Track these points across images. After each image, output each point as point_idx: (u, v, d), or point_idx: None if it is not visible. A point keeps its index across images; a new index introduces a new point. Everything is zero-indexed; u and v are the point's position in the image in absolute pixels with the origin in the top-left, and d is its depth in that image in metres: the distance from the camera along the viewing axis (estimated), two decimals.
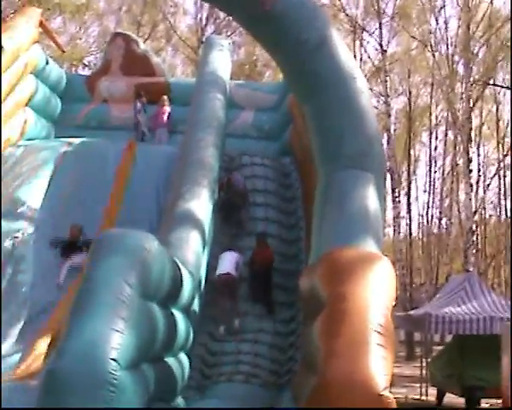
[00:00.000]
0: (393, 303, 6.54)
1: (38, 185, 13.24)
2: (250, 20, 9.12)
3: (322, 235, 7.57)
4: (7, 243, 11.58)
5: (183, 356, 8.55)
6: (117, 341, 5.53)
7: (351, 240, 7.01)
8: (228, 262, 11.79)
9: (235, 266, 11.78)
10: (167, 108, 16.86)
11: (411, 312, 22.21)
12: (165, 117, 16.76)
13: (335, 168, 7.90)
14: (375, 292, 6.14)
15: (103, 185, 13.35)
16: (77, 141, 15.15)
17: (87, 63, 34.74)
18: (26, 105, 15.88)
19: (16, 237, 11.79)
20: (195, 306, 9.61)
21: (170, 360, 7.64)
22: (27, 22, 16.11)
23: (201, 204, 10.88)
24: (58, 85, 17.59)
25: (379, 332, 5.96)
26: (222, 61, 16.80)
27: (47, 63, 16.96)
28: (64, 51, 22.13)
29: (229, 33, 38.02)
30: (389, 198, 34.84)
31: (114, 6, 41.07)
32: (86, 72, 32.32)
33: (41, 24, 17.15)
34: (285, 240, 13.47)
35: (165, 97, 17.05)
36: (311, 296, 6.94)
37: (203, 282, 10.52)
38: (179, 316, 8.00)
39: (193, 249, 9.68)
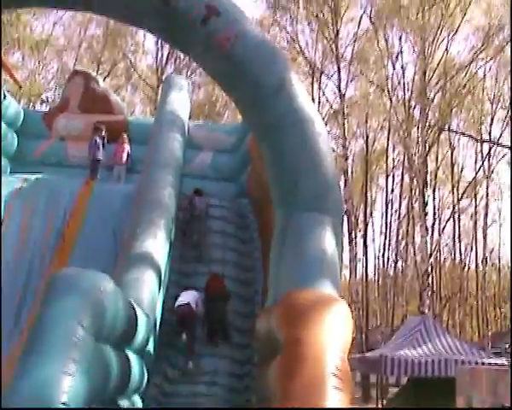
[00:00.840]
0: (350, 346, 6.52)
1: None
2: (208, 61, 9.15)
3: (280, 277, 7.54)
4: None
5: (136, 398, 8.38)
6: (68, 383, 5.41)
7: (308, 283, 7.00)
8: (187, 296, 11.73)
9: (195, 301, 11.70)
10: (127, 146, 16.69)
11: (367, 354, 22.27)
12: (125, 155, 16.57)
13: (292, 210, 7.91)
14: (332, 335, 6.12)
15: (57, 223, 13.12)
16: (32, 177, 14.92)
17: (45, 99, 34.46)
18: None
19: None
20: (150, 347, 9.46)
21: (123, 402, 7.48)
22: None
23: (157, 244, 10.80)
24: (15, 121, 17.37)
25: (335, 375, 5.93)
26: (181, 101, 16.82)
27: (4, 98, 16.78)
28: (21, 87, 22.01)
29: (189, 73, 38.25)
30: (346, 240, 35.09)
31: (74, 42, 40.97)
32: (44, 108, 32.08)
33: None
34: (242, 281, 13.36)
35: (125, 135, 16.91)
36: (267, 339, 6.88)
37: (158, 323, 10.38)
38: (133, 358, 7.86)
39: (148, 290, 9.57)
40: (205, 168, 17.37)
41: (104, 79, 36.38)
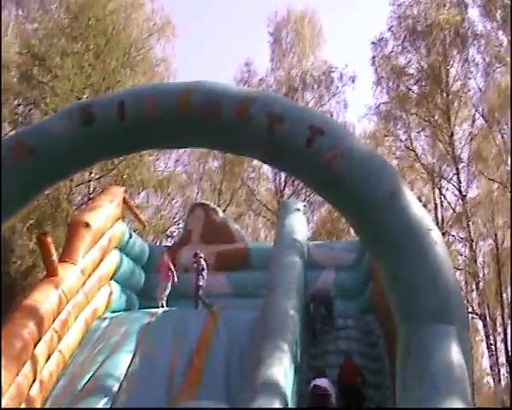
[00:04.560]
0: None
1: (123, 360, 13.33)
2: (317, 182, 9.25)
3: (407, 396, 7.22)
4: None
5: None
6: None
7: (435, 401, 6.65)
8: (323, 380, 12.35)
9: (330, 386, 12.28)
10: (168, 263, 17.03)
11: None
12: (168, 272, 16.84)
13: (414, 325, 7.63)
14: None
15: (185, 353, 13.30)
16: (160, 311, 15.37)
17: (170, 234, 35.81)
18: (111, 278, 16.38)
19: None
20: None
21: None
22: (111, 201, 16.96)
23: (283, 370, 10.67)
24: (141, 257, 18.16)
25: None
26: (298, 224, 17.04)
27: (130, 237, 17.62)
28: (145, 226, 23.10)
29: (307, 194, 38.62)
30: (484, 346, 33.38)
31: (196, 177, 42.71)
32: (169, 242, 33.25)
33: (124, 201, 17.99)
34: (373, 399, 12.96)
35: (165, 253, 17.36)
36: None
37: None
38: None
39: None
40: (328, 287, 17.28)
41: (225, 209, 37.52)
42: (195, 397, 11.51)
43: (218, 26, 79.37)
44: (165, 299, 16.59)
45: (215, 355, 13.27)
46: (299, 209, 18.01)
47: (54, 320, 13.00)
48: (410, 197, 8.72)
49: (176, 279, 16.82)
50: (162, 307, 16.33)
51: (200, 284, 16.45)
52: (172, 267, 16.98)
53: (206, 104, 9.34)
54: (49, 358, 12.84)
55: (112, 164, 28.81)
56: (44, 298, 12.76)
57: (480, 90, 35.21)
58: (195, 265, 16.92)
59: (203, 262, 16.83)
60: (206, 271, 16.78)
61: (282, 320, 12.23)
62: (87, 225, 15.22)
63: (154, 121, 9.82)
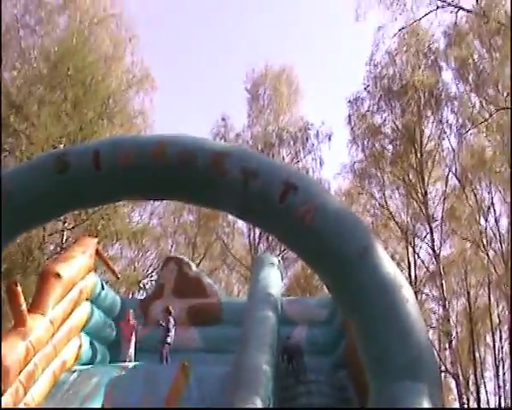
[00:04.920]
0: None
1: None
2: (289, 237, 9.25)
3: None
4: None
5: None
6: None
7: None
8: None
9: None
10: (132, 322, 16.91)
11: None
12: (132, 331, 16.72)
13: (385, 381, 7.56)
14: None
15: (156, 407, 13.07)
16: (130, 365, 15.16)
17: (143, 286, 35.55)
18: (82, 330, 16.15)
19: None
20: None
21: None
22: (84, 252, 16.82)
23: None
24: (113, 309, 17.98)
25: None
26: (272, 278, 17.02)
27: (102, 289, 17.47)
28: (118, 278, 22.91)
29: (282, 249, 38.65)
30: (457, 405, 33.23)
31: (170, 230, 42.64)
32: (142, 294, 32.99)
33: (97, 252, 17.86)
34: None
35: (130, 311, 17.21)
36: None
37: None
38: None
39: None
40: (298, 340, 17.21)
41: (199, 263, 37.45)
42: None
43: (196, 81, 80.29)
44: (132, 357, 16.39)
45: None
46: (273, 264, 17.99)
47: (20, 372, 12.75)
48: (383, 254, 8.73)
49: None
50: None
51: (168, 341, 16.26)
52: (134, 327, 16.86)
53: (182, 156, 9.37)
54: None
55: (86, 214, 28.68)
56: (11, 349, 12.52)
57: (454, 150, 35.84)
58: (164, 320, 16.72)
59: (171, 319, 16.63)
60: (174, 328, 16.59)
61: (254, 375, 12.12)
62: (58, 275, 15.06)
63: (129, 172, 9.81)
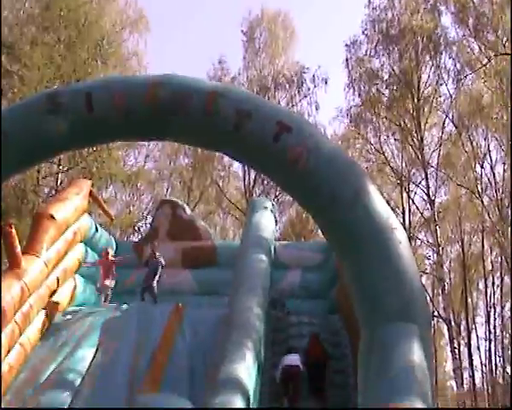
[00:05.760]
0: None
1: (86, 354, 13.18)
2: (283, 179, 9.21)
3: (368, 393, 7.21)
4: None
5: None
6: None
7: (395, 398, 6.64)
8: (293, 357, 13.14)
9: (301, 363, 13.08)
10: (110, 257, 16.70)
11: None
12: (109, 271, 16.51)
13: (377, 323, 7.60)
14: None
15: (149, 348, 13.15)
16: (123, 306, 15.24)
17: (137, 229, 35.62)
18: (76, 272, 16.19)
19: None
20: None
21: None
22: (78, 194, 16.76)
23: (246, 366, 10.63)
24: None
25: None
26: (266, 223, 16.98)
27: (96, 231, 17.44)
28: (112, 219, 22.87)
29: (277, 193, 38.65)
30: (448, 349, 33.68)
31: (166, 173, 42.54)
32: (137, 237, 33.06)
33: (91, 194, 17.80)
34: (336, 400, 12.98)
35: (109, 249, 17.03)
36: None
37: None
38: None
39: None
40: (294, 287, 17.31)
41: (195, 206, 37.44)
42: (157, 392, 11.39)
43: (191, 22, 79.21)
44: (108, 296, 16.42)
45: (179, 352, 13.14)
46: (267, 208, 17.95)
47: (15, 313, 12.82)
48: (376, 196, 8.68)
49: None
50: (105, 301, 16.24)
51: (154, 284, 16.11)
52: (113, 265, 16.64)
53: (175, 96, 9.25)
54: (9, 351, 12.65)
55: (80, 157, 28.57)
56: (6, 290, 12.58)
57: (451, 96, 35.57)
58: (150, 259, 16.55)
59: (162, 260, 16.44)
60: (160, 269, 16.38)
61: (246, 317, 12.18)
62: (52, 217, 15.05)
63: (121, 113, 9.69)
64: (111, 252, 16.93)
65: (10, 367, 12.64)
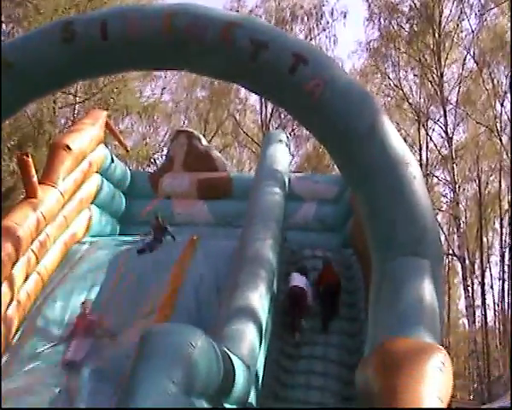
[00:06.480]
0: (449, 396, 6.15)
1: (103, 283, 13.39)
2: (299, 111, 9.15)
3: (377, 325, 7.30)
4: None
5: None
6: None
7: (404, 330, 6.72)
8: (299, 279, 13.43)
9: (306, 284, 13.34)
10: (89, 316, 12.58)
11: (486, 406, 21.11)
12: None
13: (389, 256, 7.66)
14: (429, 385, 5.80)
15: (163, 277, 13.34)
16: (139, 238, 15.35)
17: (153, 161, 35.65)
18: (92, 202, 16.30)
19: None
20: (252, 398, 9.36)
21: None
22: (93, 124, 16.72)
23: (258, 297, 10.74)
24: (122, 183, 18.05)
25: None
26: (280, 155, 16.89)
27: (112, 162, 17.47)
28: (128, 150, 22.83)
29: (294, 127, 38.41)
30: (461, 287, 33.83)
31: (182, 105, 42.30)
32: (152, 169, 33.12)
33: (107, 125, 17.77)
34: (347, 333, 13.20)
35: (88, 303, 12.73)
36: (365, 390, 6.63)
37: (260, 374, 10.41)
38: None
39: (249, 341, 9.48)
40: (309, 220, 17.33)
41: (211, 139, 37.31)
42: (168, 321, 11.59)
43: None
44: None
45: (191, 281, 13.31)
46: (281, 140, 17.83)
47: (32, 242, 12.98)
48: (391, 131, 8.64)
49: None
50: None
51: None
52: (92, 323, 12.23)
53: (191, 26, 9.16)
54: (26, 279, 12.86)
55: (96, 88, 28.43)
56: (23, 219, 12.72)
57: (473, 31, 34.82)
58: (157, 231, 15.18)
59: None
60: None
61: (259, 248, 12.24)
62: (68, 147, 15.06)
63: (136, 42, 9.62)
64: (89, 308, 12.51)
65: (28, 295, 12.88)
